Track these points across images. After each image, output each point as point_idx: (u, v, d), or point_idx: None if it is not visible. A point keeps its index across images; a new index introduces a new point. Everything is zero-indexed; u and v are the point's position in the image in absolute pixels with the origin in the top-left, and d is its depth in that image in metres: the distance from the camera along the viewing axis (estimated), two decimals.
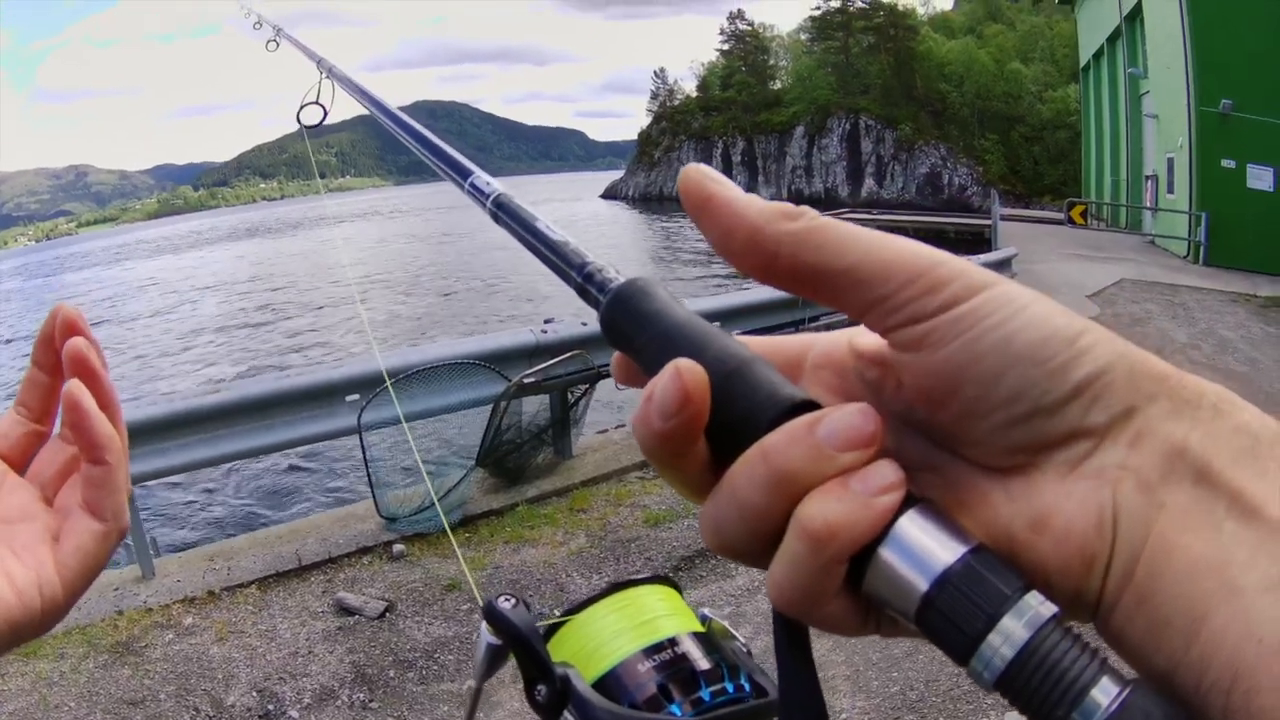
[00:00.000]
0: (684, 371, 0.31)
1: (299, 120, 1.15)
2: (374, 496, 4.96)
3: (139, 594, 4.28)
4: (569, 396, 5.47)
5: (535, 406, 5.42)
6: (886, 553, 0.30)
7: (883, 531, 0.30)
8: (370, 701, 3.46)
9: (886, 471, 0.30)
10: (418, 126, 0.63)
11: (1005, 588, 0.29)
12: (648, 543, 4.61)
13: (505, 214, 0.45)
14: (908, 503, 0.30)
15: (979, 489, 0.32)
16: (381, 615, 4.04)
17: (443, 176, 0.56)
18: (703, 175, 0.36)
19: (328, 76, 1.05)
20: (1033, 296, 0.31)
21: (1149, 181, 21.05)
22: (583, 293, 0.39)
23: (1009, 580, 0.29)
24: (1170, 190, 18.53)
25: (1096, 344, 0.30)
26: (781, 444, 0.31)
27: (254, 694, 3.50)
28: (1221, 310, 10.96)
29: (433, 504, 4.80)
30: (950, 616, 0.29)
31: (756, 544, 0.32)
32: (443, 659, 3.72)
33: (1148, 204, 21.10)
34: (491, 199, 0.47)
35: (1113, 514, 0.30)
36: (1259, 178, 15.76)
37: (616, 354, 0.38)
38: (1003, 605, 0.28)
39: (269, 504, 8.88)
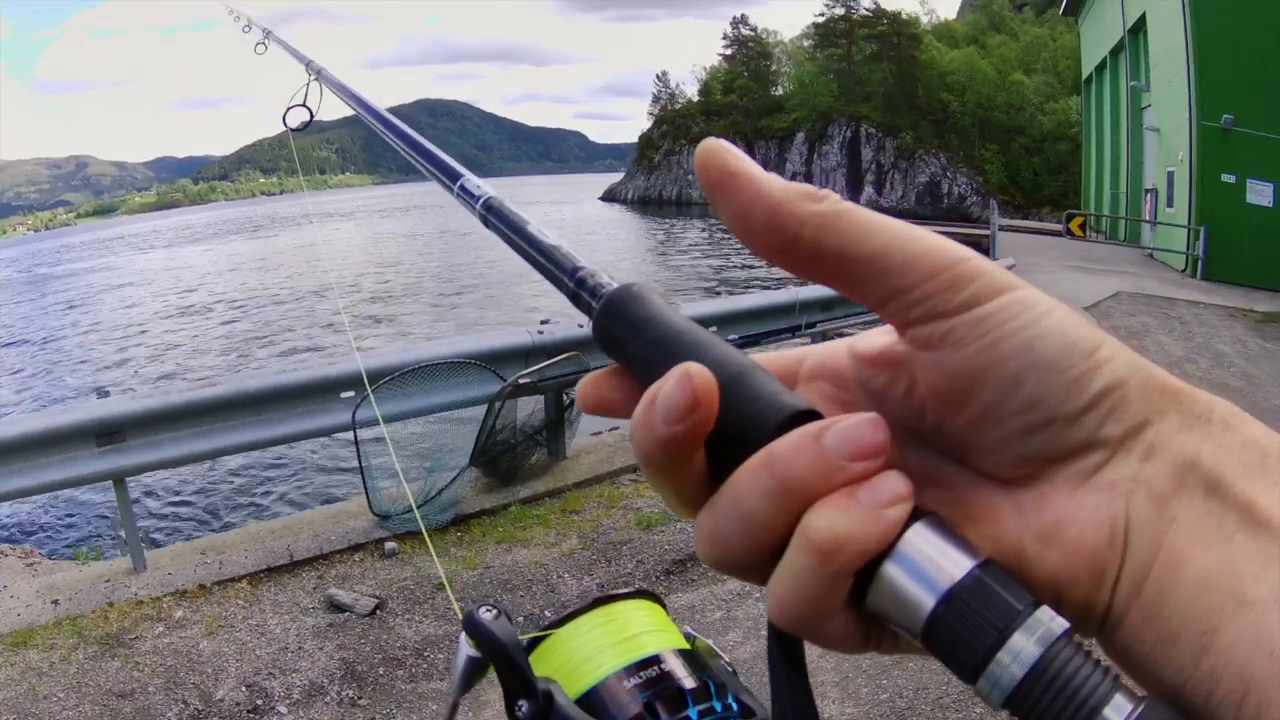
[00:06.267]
0: (694, 374, 0.30)
1: (285, 123, 1.14)
2: (367, 493, 4.95)
3: (130, 586, 4.27)
4: (564, 398, 5.47)
5: (530, 407, 5.42)
6: (892, 567, 0.29)
7: (889, 546, 0.29)
8: (359, 699, 3.46)
9: (895, 483, 0.29)
10: (405, 128, 0.61)
11: (1016, 603, 0.28)
12: (639, 545, 4.60)
13: (495, 218, 0.44)
14: (914, 516, 0.29)
15: (986, 502, 0.32)
16: (372, 612, 4.03)
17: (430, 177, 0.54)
18: (723, 149, 0.34)
19: (316, 79, 1.04)
20: (1053, 304, 0.31)
21: (1148, 195, 21.10)
22: (575, 299, 0.38)
23: (1019, 595, 0.28)
24: (1170, 204, 18.57)
25: (1114, 356, 0.30)
26: (788, 452, 0.30)
27: (243, 689, 3.50)
28: (1218, 325, 10.98)
29: (426, 502, 4.81)
30: (959, 633, 0.28)
31: (757, 557, 0.31)
32: (432, 657, 3.71)
33: (1147, 217, 21.15)
34: (481, 202, 0.46)
35: (1124, 525, 0.29)
36: (1259, 193, 15.81)
37: (586, 378, 0.37)
38: (1013, 621, 0.27)
39: (262, 499, 8.87)
